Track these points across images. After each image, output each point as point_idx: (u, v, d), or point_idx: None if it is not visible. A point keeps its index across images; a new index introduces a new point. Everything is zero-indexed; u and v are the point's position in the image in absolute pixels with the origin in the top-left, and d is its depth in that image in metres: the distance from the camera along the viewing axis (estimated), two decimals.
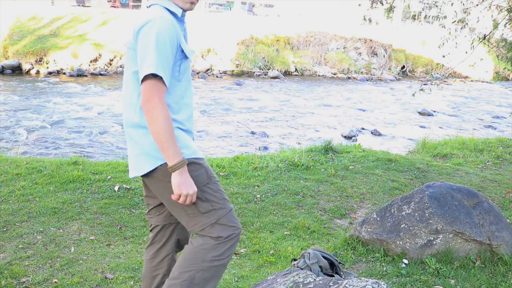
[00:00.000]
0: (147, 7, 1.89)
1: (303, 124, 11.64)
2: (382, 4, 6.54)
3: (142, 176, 1.88)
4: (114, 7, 27.73)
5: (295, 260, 2.73)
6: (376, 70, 23.34)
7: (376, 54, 23.97)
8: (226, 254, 1.88)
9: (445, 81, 18.10)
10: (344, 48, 23.67)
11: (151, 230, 2.13)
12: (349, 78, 21.96)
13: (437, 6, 7.19)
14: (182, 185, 1.75)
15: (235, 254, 3.55)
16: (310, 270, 2.53)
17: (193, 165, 1.84)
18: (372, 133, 11.01)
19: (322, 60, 22.73)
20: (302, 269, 2.54)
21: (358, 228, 3.60)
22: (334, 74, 22.03)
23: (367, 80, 21.58)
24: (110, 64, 18.09)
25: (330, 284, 2.21)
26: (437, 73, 20.58)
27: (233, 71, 19.83)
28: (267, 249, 3.60)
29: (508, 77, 21.07)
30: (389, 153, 6.76)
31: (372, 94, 17.40)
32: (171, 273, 1.89)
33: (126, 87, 1.87)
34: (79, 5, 25.11)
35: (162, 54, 1.69)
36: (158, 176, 1.84)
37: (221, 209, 1.89)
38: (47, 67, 17.24)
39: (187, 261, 1.84)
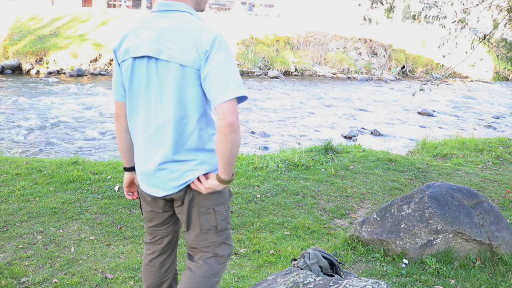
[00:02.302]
0: (162, 11, 1.74)
1: (303, 124, 11.64)
2: (382, 4, 6.54)
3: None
4: None
5: (295, 260, 2.73)
6: (376, 70, 23.35)
7: (376, 54, 23.98)
8: (222, 274, 1.98)
9: (445, 81, 18.11)
10: (344, 48, 23.67)
11: (155, 242, 2.03)
12: (349, 78, 21.97)
13: (437, 6, 7.19)
14: (213, 189, 1.76)
15: (235, 254, 3.55)
16: (310, 270, 2.53)
17: None
18: (372, 133, 11.01)
19: (322, 60, 22.74)
20: (302, 269, 2.54)
21: (358, 228, 3.59)
22: (334, 74, 22.03)
23: (367, 80, 21.58)
24: (110, 64, 18.10)
25: (330, 284, 2.21)
26: (437, 73, 20.58)
27: None
28: (267, 249, 3.60)
29: (508, 77, 21.08)
30: (389, 153, 6.76)
31: (372, 94, 17.41)
32: None
33: (179, 111, 1.71)
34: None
35: (238, 74, 1.67)
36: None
37: (229, 229, 1.94)
38: (47, 67, 17.25)
39: (197, 286, 1.86)
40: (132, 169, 2.01)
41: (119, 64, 1.83)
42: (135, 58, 1.75)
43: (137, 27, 1.78)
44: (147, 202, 1.94)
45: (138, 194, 2.01)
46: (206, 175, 1.78)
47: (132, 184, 2.05)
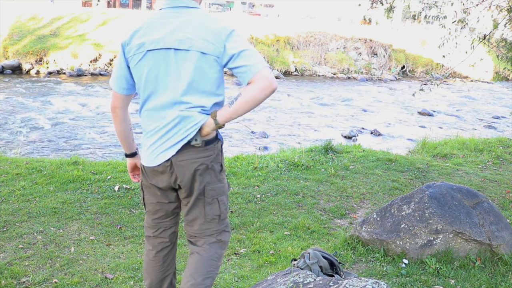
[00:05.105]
0: (175, 7, 1.83)
1: (303, 124, 11.64)
2: (382, 4, 6.53)
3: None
4: None
5: (295, 260, 2.73)
6: (376, 70, 23.34)
7: (376, 54, 23.98)
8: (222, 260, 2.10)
9: (445, 81, 18.10)
10: (344, 48, 23.67)
11: (159, 236, 2.08)
12: (349, 78, 21.97)
13: (437, 6, 7.19)
14: (208, 132, 1.84)
15: (235, 254, 3.55)
16: (310, 270, 2.53)
17: (224, 173, 2.02)
18: (372, 133, 11.01)
19: (322, 60, 22.74)
20: (302, 269, 2.54)
21: (358, 228, 3.59)
22: (334, 74, 22.03)
23: (367, 80, 21.59)
24: (110, 64, 18.10)
25: (330, 284, 2.21)
26: (437, 73, 20.57)
27: None
28: (267, 249, 3.60)
29: (508, 77, 21.03)
30: (389, 153, 6.75)
31: (372, 94, 17.41)
32: (192, 278, 1.93)
33: (198, 93, 1.82)
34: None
35: None
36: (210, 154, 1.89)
37: (228, 217, 2.08)
38: (47, 67, 17.25)
39: (206, 268, 1.96)
40: (132, 155, 2.12)
41: (126, 59, 1.89)
42: (151, 50, 1.82)
43: (150, 22, 1.86)
44: (153, 195, 2.01)
45: (142, 187, 2.05)
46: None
47: (135, 168, 2.16)
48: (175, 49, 1.80)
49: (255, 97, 1.74)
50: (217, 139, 1.91)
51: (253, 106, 1.77)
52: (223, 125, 1.83)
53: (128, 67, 1.90)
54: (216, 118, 1.80)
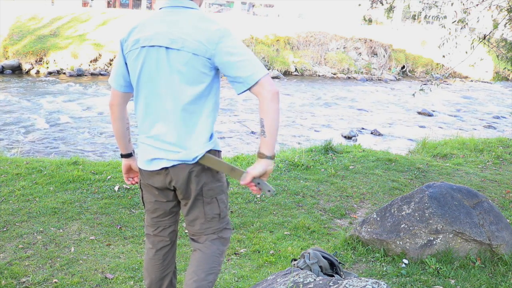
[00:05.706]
0: (173, 6, 1.84)
1: (303, 124, 11.64)
2: (382, 4, 6.53)
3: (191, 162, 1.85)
4: None
5: (295, 260, 2.73)
6: (376, 70, 23.34)
7: (376, 54, 23.98)
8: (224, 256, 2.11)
9: (445, 81, 18.10)
10: (344, 48, 23.67)
11: (158, 234, 2.09)
12: (349, 78, 21.97)
13: (437, 6, 7.18)
14: (269, 172, 1.83)
15: (235, 254, 3.55)
16: (310, 270, 2.53)
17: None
18: (372, 133, 11.01)
19: (322, 60, 22.73)
20: (302, 269, 2.54)
21: (358, 228, 3.59)
22: (334, 74, 22.03)
23: (367, 80, 21.59)
24: (110, 64, 18.10)
25: (330, 284, 2.21)
26: (437, 73, 20.56)
27: None
28: (267, 249, 3.60)
29: (508, 77, 21.04)
30: (389, 153, 6.75)
31: (372, 94, 17.41)
32: (196, 275, 1.94)
33: (189, 96, 1.81)
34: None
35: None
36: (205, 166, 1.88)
37: (228, 215, 2.09)
38: (47, 67, 17.25)
39: (208, 264, 1.98)
40: (128, 155, 2.10)
41: (124, 56, 1.91)
42: (144, 47, 1.82)
43: (148, 20, 1.87)
44: (151, 193, 2.01)
45: (140, 186, 2.05)
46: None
47: (130, 170, 2.14)
48: (166, 47, 1.79)
49: (272, 112, 1.74)
50: (210, 139, 1.90)
51: (278, 119, 1.77)
52: (275, 154, 1.84)
53: (126, 64, 1.90)
54: (265, 155, 1.79)
